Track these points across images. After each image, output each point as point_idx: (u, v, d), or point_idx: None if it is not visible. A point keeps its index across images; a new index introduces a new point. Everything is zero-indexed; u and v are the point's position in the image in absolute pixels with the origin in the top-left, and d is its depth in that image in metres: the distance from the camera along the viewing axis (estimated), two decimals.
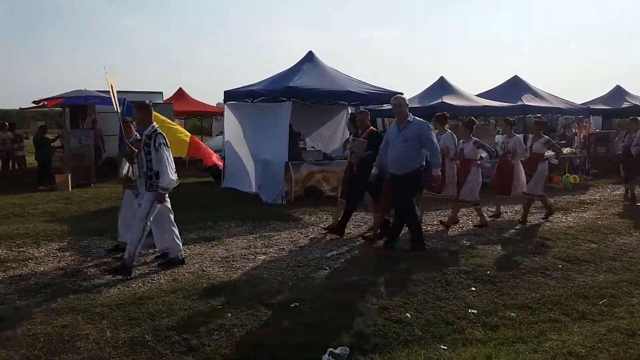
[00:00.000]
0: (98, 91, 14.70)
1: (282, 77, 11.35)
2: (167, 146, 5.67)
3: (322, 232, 7.53)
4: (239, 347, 3.85)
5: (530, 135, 9.06)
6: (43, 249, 6.72)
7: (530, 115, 14.48)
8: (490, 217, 8.62)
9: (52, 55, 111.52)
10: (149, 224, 5.61)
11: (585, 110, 15.81)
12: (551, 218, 8.54)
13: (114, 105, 6.30)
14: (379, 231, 7.06)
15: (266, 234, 7.54)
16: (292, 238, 7.28)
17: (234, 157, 11.69)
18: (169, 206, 5.92)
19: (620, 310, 4.64)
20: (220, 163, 9.30)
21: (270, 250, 6.62)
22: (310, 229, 7.81)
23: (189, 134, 7.93)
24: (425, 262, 5.89)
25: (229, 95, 12.14)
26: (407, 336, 4.05)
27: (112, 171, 14.45)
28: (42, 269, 5.84)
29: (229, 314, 4.37)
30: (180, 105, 19.98)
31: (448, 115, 8.51)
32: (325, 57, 12.02)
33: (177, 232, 6.00)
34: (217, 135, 18.55)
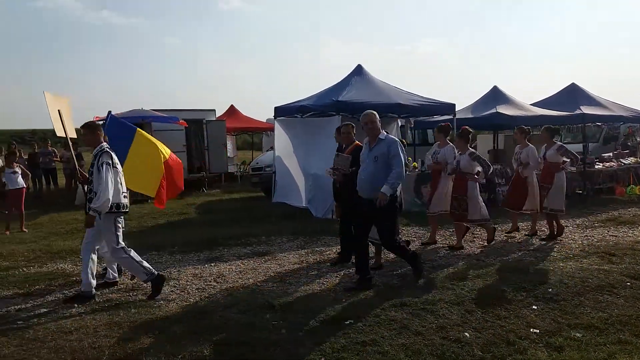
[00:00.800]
0: (153, 110, 15.38)
1: (331, 92, 11.43)
2: (114, 167, 5.28)
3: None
4: None
5: (543, 146, 8.18)
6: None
7: (589, 124, 13.91)
8: (506, 233, 8.24)
9: (106, 75, 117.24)
10: (123, 248, 5.36)
11: None
12: (604, 233, 8.10)
13: (62, 131, 6.02)
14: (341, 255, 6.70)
15: (317, 249, 7.55)
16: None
17: (284, 172, 11.84)
18: (120, 234, 5.43)
19: None
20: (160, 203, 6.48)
21: (322, 265, 6.62)
22: None
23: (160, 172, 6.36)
24: (482, 280, 5.72)
25: (279, 111, 12.32)
26: (466, 356, 3.92)
27: None
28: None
29: (284, 330, 4.38)
30: (232, 122, 20.49)
31: (451, 127, 8.12)
32: (371, 70, 12.02)
33: (92, 266, 5.45)
34: (267, 151, 18.85)
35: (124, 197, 5.45)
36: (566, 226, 8.74)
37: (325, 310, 4.82)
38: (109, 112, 6.65)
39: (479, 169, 7.32)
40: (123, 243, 5.45)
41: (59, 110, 6.06)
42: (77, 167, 6.28)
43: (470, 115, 12.78)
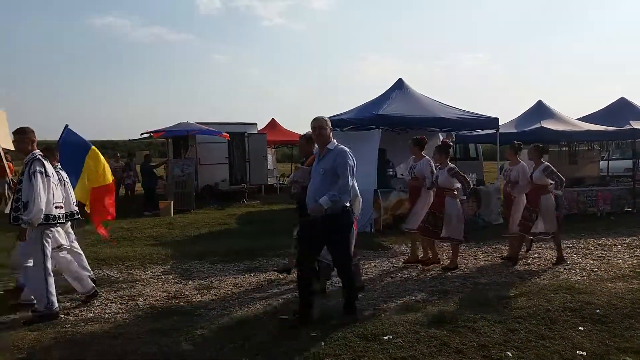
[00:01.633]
0: (198, 123, 15.87)
1: (371, 105, 11.45)
2: (47, 175, 5.01)
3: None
4: None
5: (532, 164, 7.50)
6: (149, 272, 7.19)
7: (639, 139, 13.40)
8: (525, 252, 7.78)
9: (154, 89, 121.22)
10: (45, 269, 5.01)
11: None
12: None
13: None
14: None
15: (355, 262, 7.50)
16: (382, 267, 7.21)
17: None
18: (47, 251, 5.09)
19: None
20: (103, 232, 7.06)
21: (361, 279, 6.58)
22: (401, 259, 7.69)
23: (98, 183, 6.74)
24: (526, 298, 5.56)
25: None
26: None
27: (210, 198, 15.56)
28: (148, 290, 6.23)
29: (322, 343, 4.38)
30: (273, 135, 20.79)
31: (426, 140, 7.68)
32: (412, 85, 11.99)
33: (51, 282, 5.08)
34: None
35: (56, 207, 5.16)
36: (615, 245, 8.44)
37: (364, 324, 4.79)
38: (66, 125, 6.80)
39: (458, 185, 6.93)
40: (49, 263, 5.07)
41: None
42: (10, 178, 6.31)
43: (513, 130, 12.53)
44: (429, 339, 4.46)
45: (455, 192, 6.94)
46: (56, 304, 5.16)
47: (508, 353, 4.17)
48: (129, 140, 21.91)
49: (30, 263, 5.00)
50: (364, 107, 11.77)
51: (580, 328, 4.72)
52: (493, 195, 11.08)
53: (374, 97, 11.94)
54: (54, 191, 5.17)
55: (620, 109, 14.13)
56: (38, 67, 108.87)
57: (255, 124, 18.87)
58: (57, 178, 5.40)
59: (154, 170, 14.94)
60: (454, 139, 13.59)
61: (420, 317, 4.98)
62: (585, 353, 4.20)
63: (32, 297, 5.24)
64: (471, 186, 7.16)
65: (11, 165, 9.92)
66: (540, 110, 13.08)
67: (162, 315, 5.25)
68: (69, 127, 6.85)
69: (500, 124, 11.65)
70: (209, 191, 16.34)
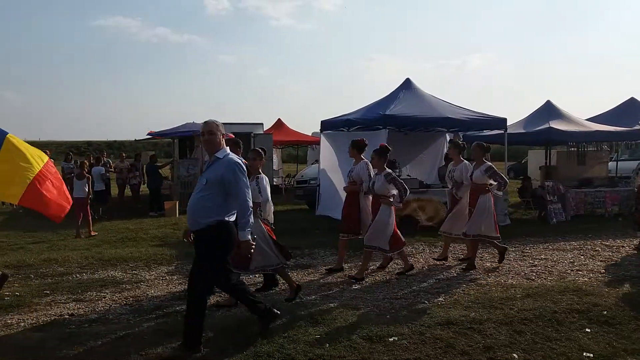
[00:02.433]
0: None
1: (378, 105, 11.43)
2: None
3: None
4: None
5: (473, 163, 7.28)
6: (154, 272, 7.19)
7: None
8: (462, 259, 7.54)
9: (161, 89, 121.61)
10: None
11: None
12: None
13: None
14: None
15: (360, 263, 7.47)
16: (387, 268, 7.17)
17: (328, 185, 11.87)
18: None
19: None
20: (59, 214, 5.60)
21: (366, 280, 6.56)
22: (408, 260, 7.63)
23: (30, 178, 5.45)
24: (532, 300, 5.51)
25: (326, 125, 12.40)
26: None
27: None
28: (152, 291, 6.24)
29: (327, 344, 4.36)
30: (279, 135, 20.79)
31: (367, 143, 7.09)
32: (419, 85, 11.94)
33: None
34: (312, 164, 18.99)
35: None
36: (622, 246, 8.35)
37: (369, 326, 4.76)
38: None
39: (395, 192, 6.55)
40: None
41: None
42: None
43: (522, 130, 12.48)
44: (434, 340, 4.43)
45: (391, 200, 6.54)
46: None
47: (514, 355, 4.13)
48: (135, 140, 22.02)
49: None
50: (370, 107, 11.75)
51: (587, 330, 4.67)
52: (499, 196, 10.99)
53: (381, 98, 11.92)
54: None
55: (629, 109, 14.03)
56: (44, 68, 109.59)
57: (262, 124, 18.88)
58: None
59: (159, 170, 14.96)
60: (461, 140, 13.55)
61: (426, 319, 4.94)
62: (592, 355, 4.15)
63: None
64: (408, 193, 6.70)
65: None
66: (548, 110, 13.00)
67: (166, 316, 5.25)
68: None
69: (508, 124, 11.59)
70: None
